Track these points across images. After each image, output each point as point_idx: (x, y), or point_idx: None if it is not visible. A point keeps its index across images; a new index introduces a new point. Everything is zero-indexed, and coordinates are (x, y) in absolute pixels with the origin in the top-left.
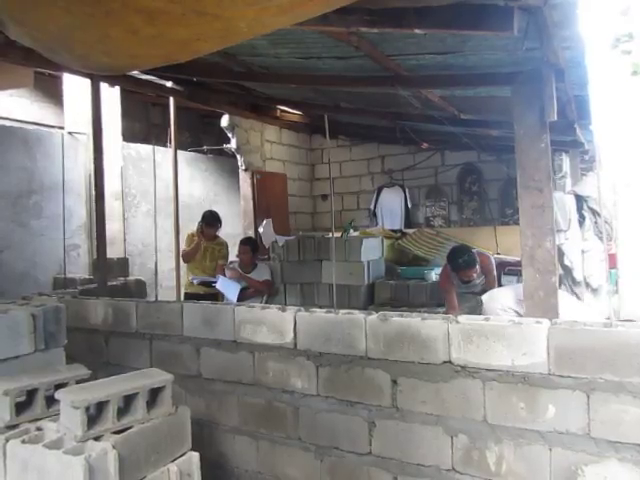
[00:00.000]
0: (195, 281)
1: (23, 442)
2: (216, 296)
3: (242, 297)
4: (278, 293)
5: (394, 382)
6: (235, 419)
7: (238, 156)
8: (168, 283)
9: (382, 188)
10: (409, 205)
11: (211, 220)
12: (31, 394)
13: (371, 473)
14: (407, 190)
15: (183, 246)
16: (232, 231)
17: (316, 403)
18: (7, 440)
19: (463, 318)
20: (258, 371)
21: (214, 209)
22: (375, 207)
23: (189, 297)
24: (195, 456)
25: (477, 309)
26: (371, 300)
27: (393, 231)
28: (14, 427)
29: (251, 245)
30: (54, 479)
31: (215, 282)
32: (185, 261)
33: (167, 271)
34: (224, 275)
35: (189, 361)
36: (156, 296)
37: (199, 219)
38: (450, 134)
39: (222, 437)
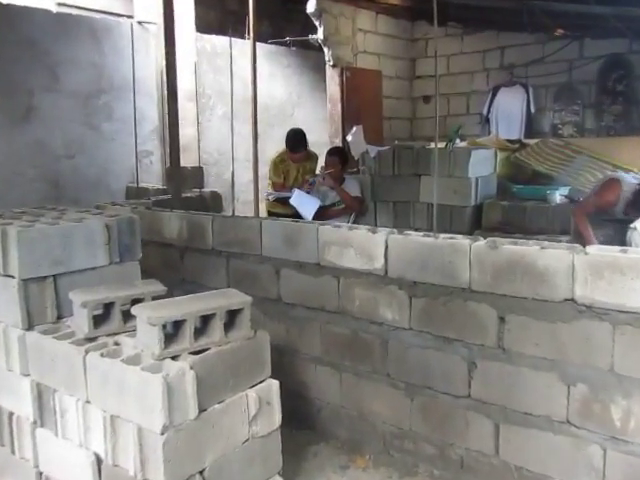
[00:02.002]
0: (271, 197)
1: (102, 356)
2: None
3: (324, 216)
4: (367, 212)
5: (501, 319)
6: (317, 348)
7: (325, 49)
8: (246, 197)
9: (499, 88)
10: (532, 109)
11: (296, 145)
12: (108, 307)
13: (469, 417)
14: (531, 90)
15: (270, 177)
16: (317, 139)
17: (408, 337)
18: (87, 352)
19: (593, 249)
20: (343, 298)
21: (297, 114)
22: (489, 111)
23: (272, 215)
24: (275, 384)
25: (615, 239)
26: (478, 224)
27: (510, 141)
28: (93, 340)
29: (340, 156)
30: (133, 394)
31: (290, 197)
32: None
33: (245, 183)
34: (309, 191)
35: (268, 283)
36: (233, 211)
37: (280, 126)
38: (595, 16)
39: (303, 366)
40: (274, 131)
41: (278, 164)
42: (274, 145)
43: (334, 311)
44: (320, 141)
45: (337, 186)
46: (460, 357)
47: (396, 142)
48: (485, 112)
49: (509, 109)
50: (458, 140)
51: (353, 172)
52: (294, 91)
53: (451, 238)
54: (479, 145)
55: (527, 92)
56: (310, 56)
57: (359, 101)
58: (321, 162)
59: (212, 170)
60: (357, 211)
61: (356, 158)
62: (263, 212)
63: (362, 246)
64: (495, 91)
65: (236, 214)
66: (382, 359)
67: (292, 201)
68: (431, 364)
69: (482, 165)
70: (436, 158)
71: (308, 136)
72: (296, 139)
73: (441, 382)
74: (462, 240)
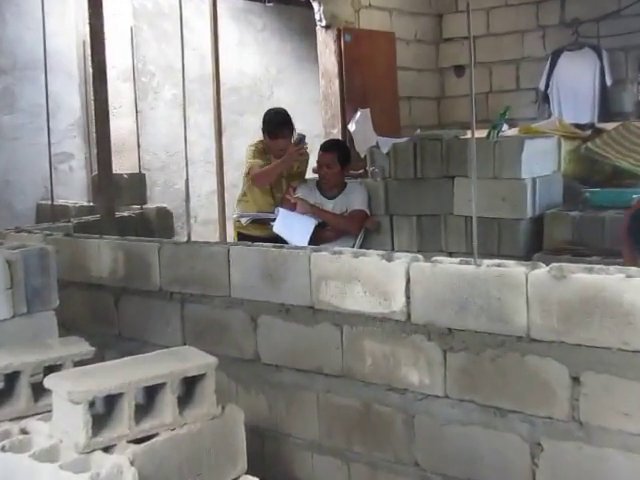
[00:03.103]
0: (243, 220)
1: (3, 450)
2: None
3: (321, 238)
4: (380, 231)
5: (574, 379)
6: (314, 428)
7: (315, 4)
8: (207, 214)
9: (560, 53)
10: (608, 81)
11: (277, 127)
12: (11, 380)
13: None
14: (605, 55)
15: (248, 162)
16: (307, 129)
17: (443, 409)
18: None
19: None
20: (349, 355)
21: (278, 95)
22: (547, 86)
23: (244, 239)
24: None
25: None
26: (537, 245)
27: (578, 127)
28: None
29: (338, 152)
30: None
31: (273, 218)
32: (258, 184)
33: (206, 195)
34: (292, 206)
35: (241, 336)
36: (188, 235)
37: (254, 113)
38: None
39: (294, 455)
40: (246, 121)
41: (259, 150)
42: (246, 140)
43: (336, 374)
44: (311, 132)
45: (317, 210)
46: (519, 436)
47: (418, 131)
48: (542, 87)
49: (575, 82)
50: (506, 126)
51: (357, 175)
52: (273, 64)
53: (499, 265)
54: (535, 133)
55: (600, 58)
56: (294, 14)
57: (365, 75)
58: (313, 162)
59: (158, 177)
60: (356, 233)
61: (362, 155)
62: (231, 235)
63: (374, 280)
64: (555, 58)
65: (193, 239)
66: (407, 442)
67: (277, 228)
68: (478, 447)
69: (540, 161)
70: (474, 153)
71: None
72: (279, 121)
73: (493, 473)
74: (515, 268)
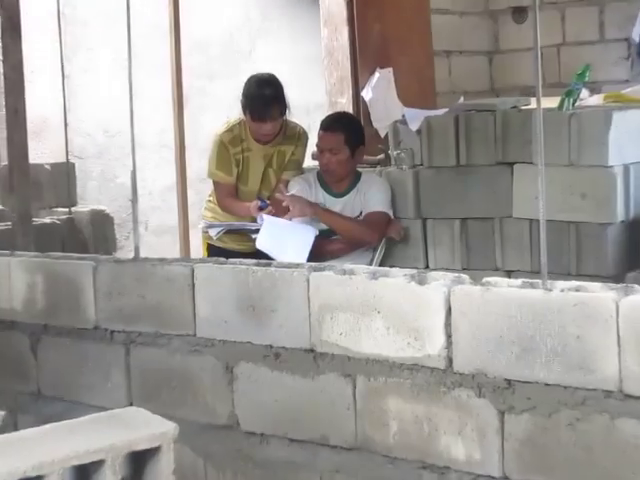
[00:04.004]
0: (213, 232)
1: None
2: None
3: (324, 252)
4: (409, 241)
5: None
6: None
7: None
8: (162, 219)
9: None
10: None
11: (262, 105)
12: None
13: None
14: None
15: (211, 171)
16: (303, 99)
17: None
18: None
19: None
20: (365, 419)
21: (262, 52)
22: None
23: (216, 254)
24: None
25: None
26: (633, 258)
27: None
28: None
29: (346, 131)
30: None
31: (255, 229)
32: (224, 210)
33: (160, 192)
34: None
35: (212, 393)
36: (136, 248)
37: (229, 78)
38: None
39: None
40: (217, 88)
41: (227, 145)
42: (218, 117)
43: (348, 447)
44: (309, 103)
45: (320, 212)
46: None
47: (461, 100)
48: (637, 36)
49: None
50: (585, 93)
51: (375, 163)
52: (255, 8)
53: (579, 290)
54: (628, 102)
55: None
56: None
57: (385, 22)
58: (313, 146)
59: (94, 168)
60: (374, 243)
61: (382, 134)
62: (198, 249)
63: (400, 312)
64: None
65: (143, 254)
66: None
67: (261, 243)
68: None
69: (637, 141)
70: (542, 130)
71: (286, 93)
72: (265, 97)
73: None
74: (601, 293)
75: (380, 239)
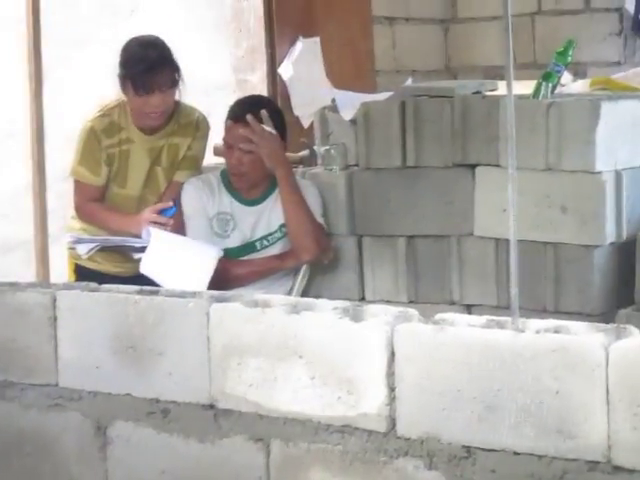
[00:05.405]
0: (82, 249)
1: None
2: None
3: (230, 277)
4: (339, 261)
5: None
6: None
7: None
8: (12, 231)
9: None
10: None
11: (148, 69)
12: None
13: None
14: None
15: (73, 167)
16: (201, 76)
17: None
18: None
19: None
20: None
21: (146, 13)
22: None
23: (86, 278)
24: None
25: None
26: (625, 291)
27: None
28: None
29: (261, 122)
30: None
31: (139, 247)
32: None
33: (10, 196)
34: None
35: (77, 462)
36: None
37: (103, 45)
38: None
39: None
40: (86, 58)
41: (99, 134)
42: (87, 96)
43: None
44: (209, 83)
45: (290, 175)
46: None
47: (409, 81)
48: (632, 7)
49: None
50: (568, 76)
51: (297, 162)
52: None
53: (557, 331)
54: (620, 89)
55: None
56: None
57: None
58: (216, 139)
59: None
60: (311, 257)
61: (305, 124)
62: (62, 271)
63: (327, 356)
64: None
65: None
66: None
67: (147, 266)
68: None
69: (631, 140)
70: (512, 123)
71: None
72: (149, 56)
73: None
74: (586, 336)
75: (318, 255)
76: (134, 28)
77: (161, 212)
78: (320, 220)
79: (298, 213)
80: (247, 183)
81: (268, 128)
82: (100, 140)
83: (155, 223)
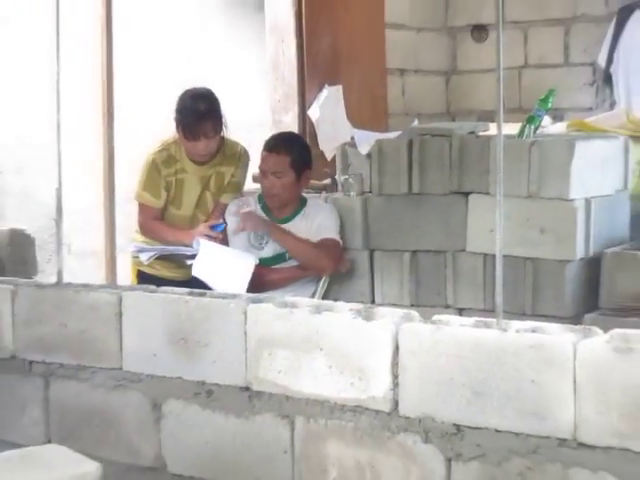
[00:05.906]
0: (143, 257)
1: None
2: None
3: (265, 282)
4: (355, 271)
5: None
6: None
7: None
8: (85, 241)
9: (631, 12)
10: None
11: (195, 122)
12: None
13: None
14: None
15: (137, 192)
16: (244, 117)
17: None
18: None
19: None
20: (303, 464)
21: (200, 63)
22: (611, 61)
23: (146, 281)
24: None
25: None
26: (592, 298)
27: None
28: None
29: (292, 153)
30: None
31: (190, 255)
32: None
33: (83, 212)
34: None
35: (137, 432)
36: (59, 273)
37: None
38: None
39: None
40: (144, 96)
41: (159, 165)
42: (152, 129)
43: None
44: (250, 122)
45: (275, 230)
46: None
47: (416, 123)
48: (603, 62)
49: None
50: (548, 120)
51: (321, 188)
52: (192, 11)
53: (535, 331)
54: (592, 130)
55: None
56: None
57: (337, 34)
58: (254, 168)
59: (13, 183)
60: (329, 271)
61: (328, 157)
62: (126, 275)
63: (344, 349)
64: (623, 19)
65: (66, 279)
66: None
67: (198, 270)
68: None
69: (599, 173)
70: (501, 158)
71: (225, 110)
72: (198, 109)
73: None
74: (559, 335)
75: (335, 267)
76: (192, 75)
77: (212, 228)
78: (337, 237)
79: (299, 250)
80: (278, 203)
81: (249, 209)
82: (160, 170)
83: (208, 236)
